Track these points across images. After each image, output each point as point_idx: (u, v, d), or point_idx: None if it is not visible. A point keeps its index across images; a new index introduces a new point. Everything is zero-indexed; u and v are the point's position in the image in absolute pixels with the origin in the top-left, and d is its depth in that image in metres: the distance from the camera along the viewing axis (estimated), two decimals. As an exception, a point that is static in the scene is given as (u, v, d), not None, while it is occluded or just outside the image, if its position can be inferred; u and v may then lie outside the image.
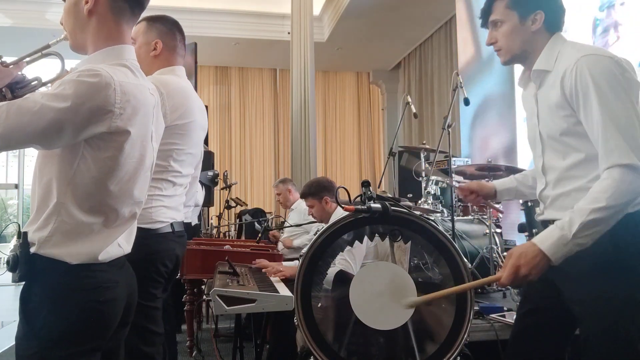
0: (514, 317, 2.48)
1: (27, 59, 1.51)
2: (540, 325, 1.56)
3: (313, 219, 3.63)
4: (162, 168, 1.79)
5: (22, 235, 1.25)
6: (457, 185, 1.88)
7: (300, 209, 4.40)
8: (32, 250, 1.23)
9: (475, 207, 3.90)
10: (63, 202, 1.24)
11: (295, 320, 1.59)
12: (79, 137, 1.23)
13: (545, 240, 1.34)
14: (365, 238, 1.67)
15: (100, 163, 1.26)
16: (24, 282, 1.25)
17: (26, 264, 1.23)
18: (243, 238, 5.53)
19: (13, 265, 1.24)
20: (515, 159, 5.03)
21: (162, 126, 1.54)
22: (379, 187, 4.64)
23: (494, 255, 3.36)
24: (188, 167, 1.93)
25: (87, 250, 1.25)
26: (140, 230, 1.50)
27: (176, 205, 1.89)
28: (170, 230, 1.82)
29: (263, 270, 2.60)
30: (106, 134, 1.25)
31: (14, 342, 1.25)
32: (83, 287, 1.25)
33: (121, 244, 1.37)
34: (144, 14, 2.06)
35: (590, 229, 1.30)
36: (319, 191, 3.07)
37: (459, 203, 3.95)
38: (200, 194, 4.22)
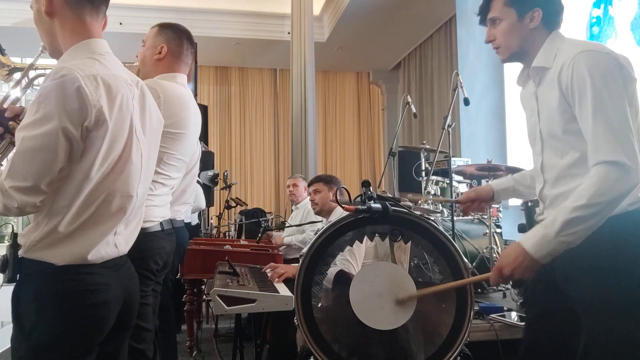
0: (514, 317, 2.49)
1: (20, 86, 1.49)
2: (549, 328, 1.54)
3: (313, 220, 3.63)
4: None
5: (13, 237, 1.25)
6: (458, 190, 1.88)
7: (304, 209, 4.39)
8: (20, 253, 1.23)
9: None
10: (51, 204, 1.23)
11: (295, 320, 1.59)
12: (82, 139, 1.22)
13: (529, 239, 1.35)
14: (365, 238, 1.67)
15: (83, 159, 1.24)
16: (14, 284, 1.25)
17: (14, 267, 1.22)
18: (243, 238, 5.53)
19: (2, 267, 1.24)
20: (505, 158, 5.03)
21: (154, 121, 1.51)
22: (379, 187, 4.65)
23: (494, 255, 3.36)
24: (177, 172, 1.99)
25: (75, 250, 1.24)
26: None
27: (165, 203, 1.95)
28: (160, 228, 1.87)
29: (267, 271, 2.60)
30: (87, 129, 1.23)
31: (13, 343, 1.26)
32: (68, 290, 1.23)
33: (118, 244, 1.34)
34: (157, 20, 2.11)
35: (573, 227, 1.29)
36: (331, 181, 3.28)
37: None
38: (201, 200, 4.21)
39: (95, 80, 1.24)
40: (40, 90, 1.19)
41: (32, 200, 1.17)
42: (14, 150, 1.17)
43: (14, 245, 1.24)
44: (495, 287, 3.27)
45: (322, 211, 3.23)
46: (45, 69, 1.55)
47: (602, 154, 1.31)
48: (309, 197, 3.49)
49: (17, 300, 1.24)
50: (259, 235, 3.92)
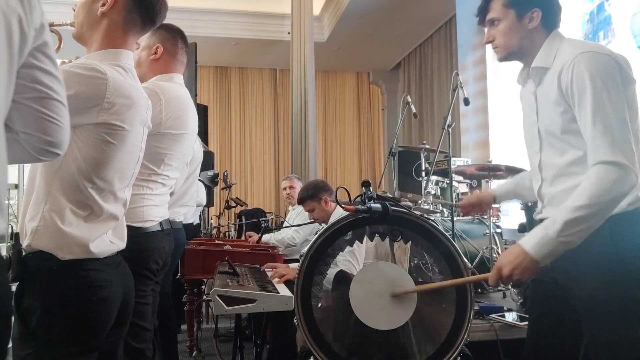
0: (514, 317, 2.49)
1: None
2: (553, 328, 1.54)
3: (311, 220, 3.62)
4: (153, 171, 1.86)
5: (14, 236, 1.26)
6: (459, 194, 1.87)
7: (300, 208, 4.38)
8: (24, 244, 1.25)
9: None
10: (50, 192, 1.26)
11: (295, 320, 1.60)
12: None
13: (529, 240, 1.35)
14: (365, 238, 1.67)
15: (88, 154, 1.28)
16: (17, 282, 1.25)
17: (18, 264, 1.23)
18: (243, 238, 5.53)
19: (6, 265, 1.23)
20: (488, 154, 5.03)
21: (150, 129, 1.58)
22: (379, 187, 4.65)
23: (494, 255, 3.36)
24: (175, 171, 2.01)
25: (77, 241, 1.26)
26: (131, 228, 1.54)
27: (164, 203, 1.96)
28: (160, 228, 1.88)
29: (267, 271, 2.60)
30: (93, 126, 1.28)
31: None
32: (75, 286, 1.25)
33: (113, 240, 1.37)
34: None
35: (573, 227, 1.30)
36: (316, 193, 3.06)
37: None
38: (202, 194, 4.22)
39: (119, 85, 1.32)
40: (63, 68, 1.22)
41: None
42: None
43: (16, 245, 1.24)
44: (495, 287, 3.27)
45: (325, 222, 3.18)
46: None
47: (601, 154, 1.32)
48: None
49: (20, 299, 1.24)
50: (259, 235, 3.92)
